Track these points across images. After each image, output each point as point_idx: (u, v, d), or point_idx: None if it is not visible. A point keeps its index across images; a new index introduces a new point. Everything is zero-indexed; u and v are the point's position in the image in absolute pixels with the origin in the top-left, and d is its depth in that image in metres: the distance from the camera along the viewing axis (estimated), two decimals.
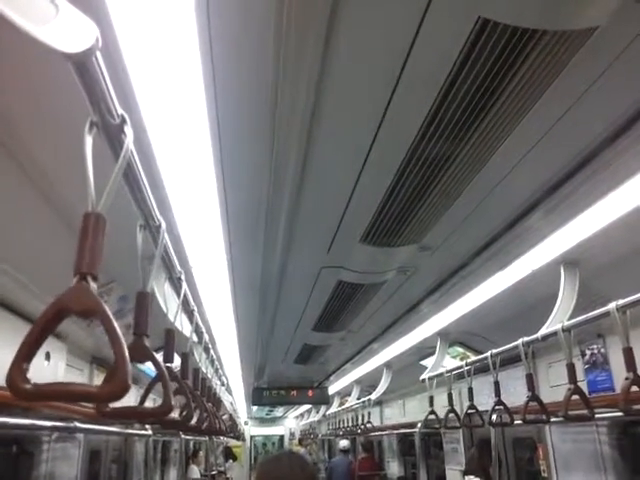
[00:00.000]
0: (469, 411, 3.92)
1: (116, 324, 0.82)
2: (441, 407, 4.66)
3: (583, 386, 2.99)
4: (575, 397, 2.59)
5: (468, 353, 5.51)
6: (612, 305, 2.41)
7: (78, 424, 3.05)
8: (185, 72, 1.63)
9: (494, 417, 3.75)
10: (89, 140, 0.99)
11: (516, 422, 3.28)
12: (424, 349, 5.75)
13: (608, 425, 3.67)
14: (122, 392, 0.79)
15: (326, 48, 1.52)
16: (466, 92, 1.73)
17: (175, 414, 1.78)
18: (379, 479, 9.34)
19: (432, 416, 4.54)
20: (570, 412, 2.58)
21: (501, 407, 3.43)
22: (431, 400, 4.64)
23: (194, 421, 2.10)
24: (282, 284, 3.78)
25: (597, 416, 2.63)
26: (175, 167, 2.13)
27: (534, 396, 3.02)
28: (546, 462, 4.37)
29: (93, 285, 0.85)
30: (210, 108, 1.80)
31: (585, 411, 2.61)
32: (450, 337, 5.25)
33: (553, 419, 2.98)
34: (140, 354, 1.32)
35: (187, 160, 2.15)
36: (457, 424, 4.33)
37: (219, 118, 1.86)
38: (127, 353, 0.81)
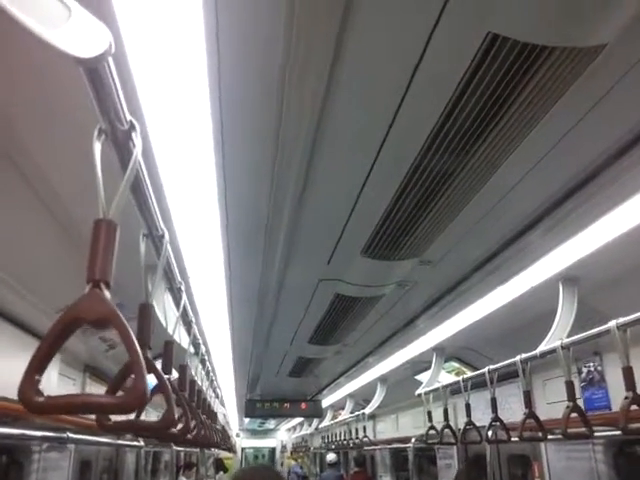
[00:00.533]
0: (467, 427, 3.89)
1: (132, 333, 0.80)
2: (434, 422, 4.64)
3: (579, 404, 2.97)
4: (573, 415, 2.58)
5: (463, 368, 5.49)
6: (612, 323, 2.40)
7: (71, 434, 3.00)
8: (190, 81, 1.62)
9: (490, 433, 3.73)
10: (98, 147, 0.97)
11: (513, 439, 3.26)
12: (419, 364, 5.73)
13: (604, 443, 3.65)
14: (141, 403, 0.77)
15: (335, 59, 1.51)
16: (473, 106, 1.72)
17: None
18: None
19: (431, 431, 4.52)
20: (568, 430, 2.57)
21: (497, 424, 3.40)
22: (429, 415, 4.62)
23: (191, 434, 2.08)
24: (280, 296, 3.76)
25: (596, 434, 2.61)
26: (177, 176, 2.12)
27: (531, 413, 3.01)
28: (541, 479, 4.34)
29: (106, 292, 0.83)
30: (215, 118, 1.79)
31: (584, 429, 2.59)
32: (446, 352, 5.23)
33: (550, 437, 2.96)
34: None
35: (189, 169, 2.13)
36: (452, 440, 4.30)
37: (223, 127, 1.85)
38: (144, 364, 0.79)
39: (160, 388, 1.32)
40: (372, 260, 3.00)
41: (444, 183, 2.21)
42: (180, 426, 1.89)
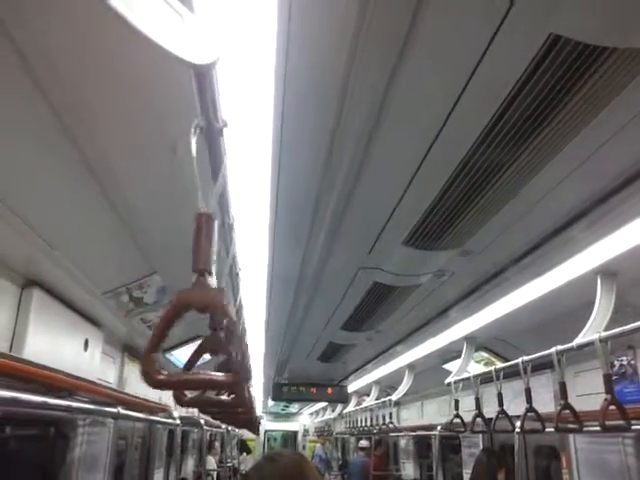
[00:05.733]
0: (499, 416, 3.94)
1: (235, 318, 0.88)
2: (460, 411, 4.70)
3: None
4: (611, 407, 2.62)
5: (493, 358, 5.53)
6: None
7: (122, 410, 3.14)
8: (256, 69, 1.68)
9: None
10: (194, 141, 1.05)
11: (548, 429, 3.30)
12: (448, 352, 5.78)
13: (635, 437, 3.68)
14: (247, 380, 0.85)
15: (399, 57, 1.57)
16: (527, 106, 1.77)
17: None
18: None
19: (456, 419, 4.58)
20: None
21: (532, 414, 3.45)
22: (456, 404, 4.67)
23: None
24: (318, 282, 3.84)
25: (633, 427, 2.65)
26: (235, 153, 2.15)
27: (567, 404, 3.05)
28: (569, 471, 4.38)
29: (210, 279, 0.91)
30: (277, 104, 1.85)
31: (621, 422, 2.63)
32: (477, 342, 5.27)
33: (586, 428, 3.00)
34: (216, 346, 1.39)
35: (247, 149, 2.19)
36: (482, 428, 4.35)
37: (284, 113, 1.91)
38: (245, 348, 0.87)
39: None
40: (413, 250, 3.05)
41: (492, 178, 2.26)
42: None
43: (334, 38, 1.55)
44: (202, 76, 0.92)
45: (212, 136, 1.10)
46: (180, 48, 0.87)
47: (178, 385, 0.87)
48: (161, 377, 0.83)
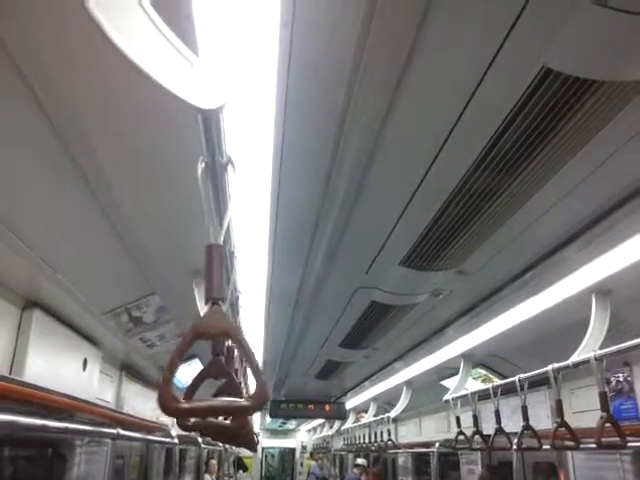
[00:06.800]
0: (496, 433, 3.96)
1: (250, 345, 0.91)
2: (458, 428, 4.72)
3: None
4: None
5: (490, 375, 5.55)
6: None
7: (121, 431, 3.15)
8: (257, 86, 1.71)
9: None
10: (200, 177, 1.09)
11: (544, 447, 3.32)
12: (446, 369, 5.80)
13: (632, 453, 3.69)
14: (265, 404, 0.88)
15: (398, 82, 1.62)
16: (520, 134, 1.83)
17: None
18: None
19: (459, 436, 4.59)
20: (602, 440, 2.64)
21: (529, 431, 3.47)
22: (457, 420, 4.69)
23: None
24: (316, 301, 3.87)
25: (629, 445, 2.68)
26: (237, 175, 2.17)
27: (563, 422, 3.07)
28: None
29: (223, 308, 0.95)
30: (277, 128, 1.89)
31: (617, 439, 2.66)
32: (474, 359, 5.29)
33: (582, 446, 3.03)
34: (219, 370, 1.42)
35: (248, 175, 2.23)
36: (481, 445, 4.36)
37: (284, 137, 1.96)
38: (261, 371, 0.91)
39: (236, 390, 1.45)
40: (410, 270, 3.09)
41: (486, 201, 2.31)
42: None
43: (334, 69, 1.60)
44: (209, 117, 0.96)
45: (217, 171, 1.14)
46: (187, 93, 0.91)
47: (199, 412, 0.90)
48: (183, 406, 0.86)
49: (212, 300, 0.94)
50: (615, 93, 1.60)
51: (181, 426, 1.39)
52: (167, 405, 0.84)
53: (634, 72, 1.52)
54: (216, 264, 0.98)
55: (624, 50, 1.45)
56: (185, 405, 0.86)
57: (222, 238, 1.01)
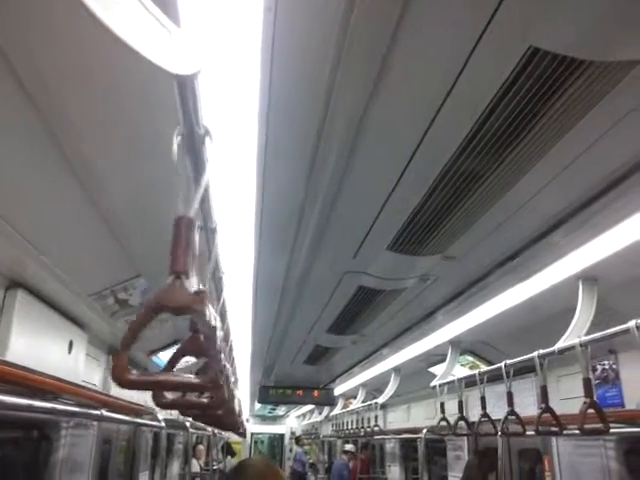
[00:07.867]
0: (481, 419, 3.98)
1: (215, 322, 0.90)
2: (447, 414, 4.74)
3: None
4: (589, 411, 2.66)
5: (477, 362, 5.58)
6: (632, 323, 2.48)
7: (105, 412, 3.13)
8: (242, 77, 1.70)
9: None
10: (175, 148, 1.07)
11: (528, 432, 3.34)
12: (434, 356, 5.83)
13: (616, 440, 3.72)
14: (219, 386, 0.87)
15: (381, 68, 1.60)
16: (507, 115, 1.81)
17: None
18: None
19: (442, 422, 4.62)
20: (585, 426, 2.65)
21: (513, 417, 3.49)
22: (442, 407, 4.71)
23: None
24: (304, 286, 3.86)
25: (612, 431, 2.69)
26: (218, 158, 2.15)
27: (547, 408, 3.09)
28: (551, 474, 4.42)
29: (187, 283, 0.93)
30: (262, 112, 1.86)
31: (600, 425, 2.67)
32: (461, 345, 5.32)
33: (566, 431, 3.04)
34: (196, 348, 1.40)
35: (233, 156, 2.20)
36: (466, 431, 4.39)
37: (269, 120, 1.93)
38: (221, 350, 0.89)
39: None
40: (397, 254, 3.08)
41: (473, 185, 2.29)
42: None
43: (318, 50, 1.57)
44: (184, 85, 0.94)
45: (194, 143, 1.12)
46: (164, 59, 0.89)
47: (148, 386, 0.89)
48: (131, 377, 0.85)
49: (175, 273, 0.92)
50: (603, 74, 1.58)
51: (158, 403, 1.37)
52: (118, 375, 0.83)
53: (623, 52, 1.50)
54: (183, 237, 0.95)
55: (613, 29, 1.43)
56: (134, 377, 0.85)
57: (193, 211, 0.99)
